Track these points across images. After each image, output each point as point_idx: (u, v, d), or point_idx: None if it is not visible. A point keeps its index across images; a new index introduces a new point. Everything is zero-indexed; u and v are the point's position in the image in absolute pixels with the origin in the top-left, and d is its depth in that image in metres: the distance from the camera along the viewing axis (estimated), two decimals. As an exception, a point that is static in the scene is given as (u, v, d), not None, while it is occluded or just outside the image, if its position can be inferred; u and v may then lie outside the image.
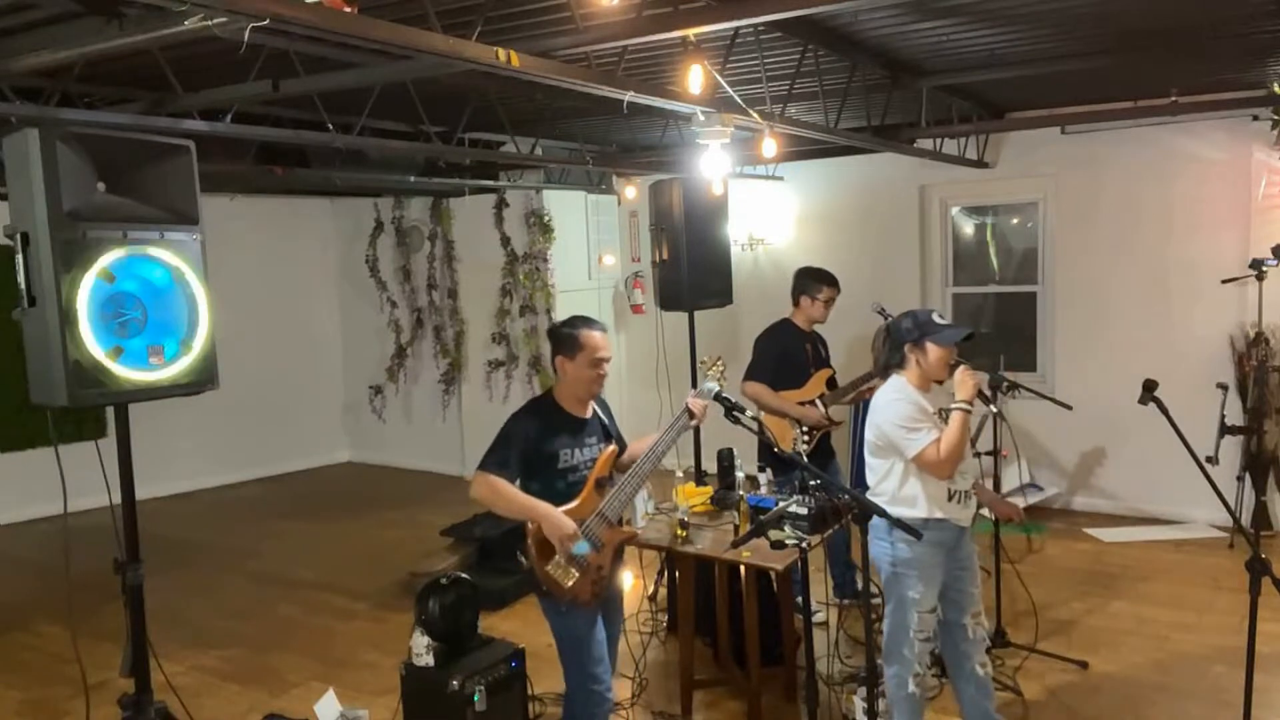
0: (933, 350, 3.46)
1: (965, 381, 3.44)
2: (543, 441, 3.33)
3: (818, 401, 5.07)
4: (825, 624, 4.90)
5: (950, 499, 3.49)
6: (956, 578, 3.56)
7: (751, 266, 8.32)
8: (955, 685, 3.71)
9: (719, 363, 3.61)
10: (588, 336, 3.36)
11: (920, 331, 3.48)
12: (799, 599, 4.35)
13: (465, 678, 3.69)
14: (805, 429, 5.00)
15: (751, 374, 5.08)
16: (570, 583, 3.26)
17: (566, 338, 3.38)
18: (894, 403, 3.47)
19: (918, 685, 3.52)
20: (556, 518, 3.22)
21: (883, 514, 3.17)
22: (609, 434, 3.54)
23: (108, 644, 4.02)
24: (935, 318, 3.51)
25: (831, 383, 5.19)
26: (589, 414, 3.47)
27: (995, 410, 3.50)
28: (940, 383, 3.57)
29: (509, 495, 3.25)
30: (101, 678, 3.78)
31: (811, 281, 5.12)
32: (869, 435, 3.58)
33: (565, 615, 3.33)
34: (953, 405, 3.43)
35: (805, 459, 4.83)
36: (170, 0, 2.37)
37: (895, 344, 3.57)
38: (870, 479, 3.62)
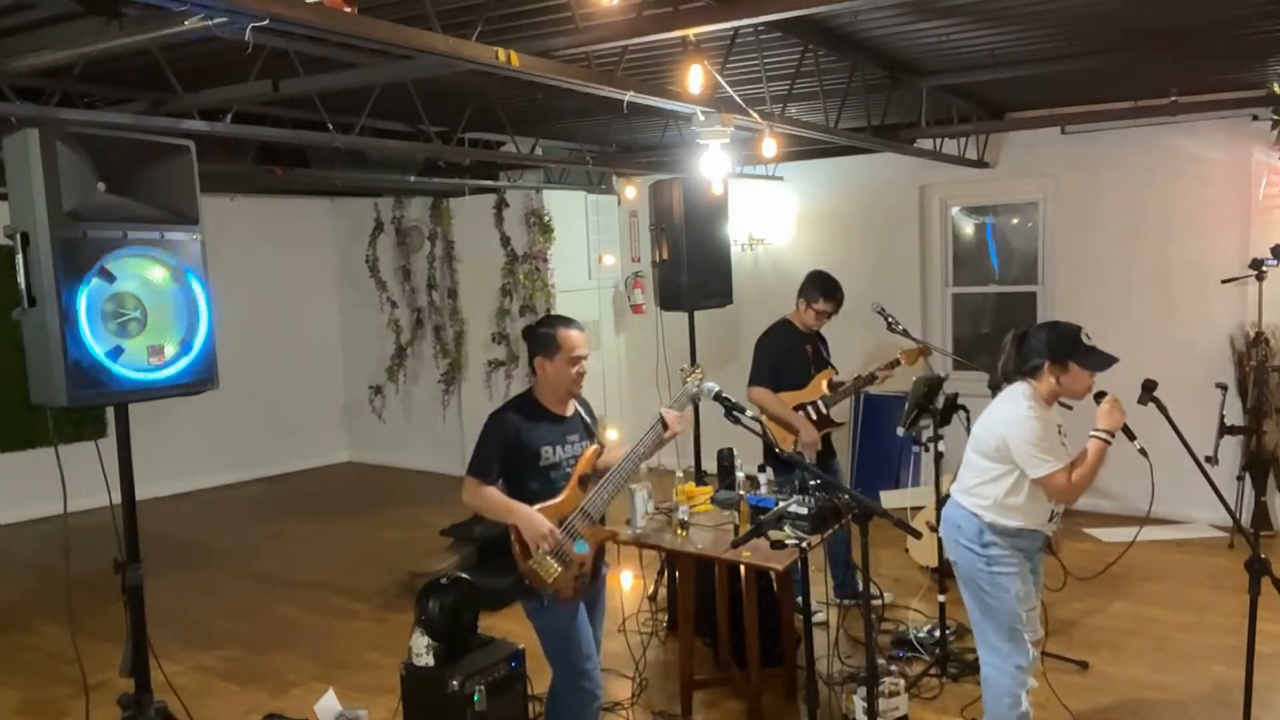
0: (1076, 372, 3.32)
1: (1112, 413, 3.28)
2: (524, 439, 3.35)
3: (820, 402, 5.07)
4: (825, 624, 4.90)
5: (1050, 519, 3.44)
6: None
7: (751, 266, 8.32)
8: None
9: (697, 371, 3.60)
10: (565, 336, 3.36)
11: (1065, 351, 3.32)
12: (799, 599, 4.35)
13: (465, 678, 3.68)
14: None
15: (754, 379, 5.08)
16: (552, 577, 3.28)
17: (544, 337, 3.38)
18: (1027, 420, 3.29)
19: (1029, 699, 3.41)
20: (531, 519, 3.25)
21: (884, 515, 3.14)
22: (591, 433, 3.55)
23: (108, 644, 4.00)
24: (1084, 337, 3.33)
25: (833, 383, 5.18)
26: (570, 412, 3.49)
27: (1140, 449, 3.27)
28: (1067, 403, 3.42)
29: (490, 499, 3.31)
30: (101, 678, 3.76)
31: (813, 289, 5.10)
32: (984, 436, 3.43)
33: (547, 610, 3.34)
34: (1093, 432, 3.28)
35: (807, 459, 4.83)
36: (170, 0, 2.38)
37: (1029, 354, 3.39)
38: (970, 476, 3.49)
